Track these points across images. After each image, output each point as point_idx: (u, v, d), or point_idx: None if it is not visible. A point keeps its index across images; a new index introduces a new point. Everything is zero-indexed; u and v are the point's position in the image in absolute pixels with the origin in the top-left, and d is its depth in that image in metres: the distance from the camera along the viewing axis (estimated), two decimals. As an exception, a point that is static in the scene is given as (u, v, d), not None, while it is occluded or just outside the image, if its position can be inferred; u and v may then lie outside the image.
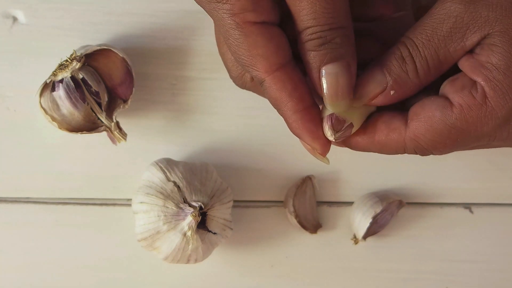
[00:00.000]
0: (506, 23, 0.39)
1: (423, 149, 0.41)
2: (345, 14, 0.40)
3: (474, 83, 0.40)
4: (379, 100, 0.42)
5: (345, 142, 0.43)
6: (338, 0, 0.39)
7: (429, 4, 0.43)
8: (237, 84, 0.46)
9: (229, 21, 0.39)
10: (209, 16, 0.42)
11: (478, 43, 0.40)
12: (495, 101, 0.39)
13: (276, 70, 0.40)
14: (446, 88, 0.41)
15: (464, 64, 0.41)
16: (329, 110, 0.41)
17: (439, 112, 0.40)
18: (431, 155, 0.43)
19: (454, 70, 0.42)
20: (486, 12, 0.40)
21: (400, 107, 0.43)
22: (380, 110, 0.43)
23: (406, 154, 0.54)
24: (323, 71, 0.40)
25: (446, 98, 0.41)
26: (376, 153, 0.44)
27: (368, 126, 0.42)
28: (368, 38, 0.45)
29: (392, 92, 0.41)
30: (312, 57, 0.40)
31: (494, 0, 0.40)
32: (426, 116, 0.41)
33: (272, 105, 0.42)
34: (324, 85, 0.40)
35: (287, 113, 0.41)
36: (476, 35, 0.40)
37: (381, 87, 0.41)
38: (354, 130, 0.42)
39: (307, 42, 0.40)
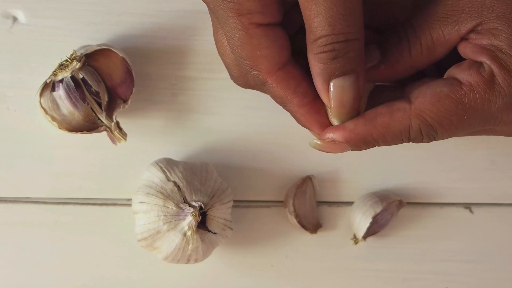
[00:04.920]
0: (504, 7, 0.39)
1: (428, 126, 0.40)
2: (361, 25, 0.39)
3: (480, 64, 0.40)
4: (370, 75, 0.42)
5: (346, 137, 0.41)
6: (356, 9, 0.38)
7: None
8: (238, 84, 0.45)
9: (234, 21, 0.39)
10: (209, 14, 0.42)
11: (473, 30, 0.40)
12: (502, 79, 0.39)
13: (278, 70, 0.40)
14: (452, 71, 0.41)
15: (465, 50, 0.41)
16: None
17: (447, 88, 0.40)
18: (434, 142, 0.41)
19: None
20: None
21: (400, 94, 0.42)
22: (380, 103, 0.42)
23: (406, 154, 0.54)
24: (332, 84, 0.40)
25: (454, 78, 0.40)
26: (377, 151, 0.43)
27: (367, 113, 0.41)
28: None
29: (382, 67, 0.41)
30: (323, 69, 0.39)
31: None
32: (433, 92, 0.40)
33: (277, 103, 0.42)
34: (332, 98, 0.40)
35: (294, 108, 0.41)
36: (471, 20, 0.40)
37: (372, 61, 0.41)
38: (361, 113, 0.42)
39: (319, 54, 0.39)
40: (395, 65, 0.42)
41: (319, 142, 0.42)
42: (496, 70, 0.39)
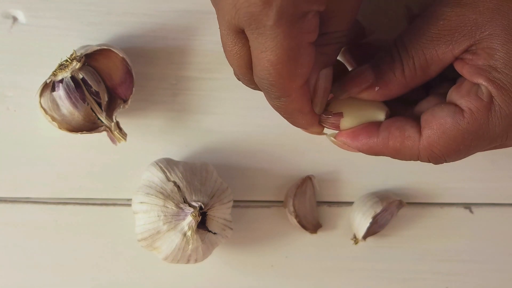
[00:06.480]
0: (496, 25, 0.39)
1: (437, 158, 0.41)
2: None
3: (478, 86, 0.40)
4: (365, 95, 0.42)
5: (359, 147, 0.43)
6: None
7: (422, 12, 0.43)
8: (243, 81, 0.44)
9: (284, 38, 0.37)
10: (217, 13, 0.41)
11: (468, 50, 0.40)
12: (501, 99, 0.39)
13: (303, 86, 0.40)
14: (453, 95, 0.42)
15: (463, 71, 0.41)
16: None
17: (450, 119, 0.40)
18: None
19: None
20: (474, 16, 0.40)
21: (411, 113, 0.43)
22: (392, 115, 0.44)
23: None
24: (321, 73, 0.41)
25: (455, 105, 0.41)
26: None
27: (381, 131, 0.42)
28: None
29: (376, 89, 0.42)
30: (322, 60, 0.41)
31: (481, 3, 0.40)
32: (438, 124, 0.41)
33: (285, 114, 0.42)
34: (319, 87, 0.42)
35: (308, 116, 0.42)
36: (465, 40, 0.40)
37: (366, 82, 0.42)
38: (347, 121, 0.43)
39: (329, 45, 0.40)
40: (389, 85, 0.42)
41: (334, 139, 0.44)
42: (493, 91, 0.39)
